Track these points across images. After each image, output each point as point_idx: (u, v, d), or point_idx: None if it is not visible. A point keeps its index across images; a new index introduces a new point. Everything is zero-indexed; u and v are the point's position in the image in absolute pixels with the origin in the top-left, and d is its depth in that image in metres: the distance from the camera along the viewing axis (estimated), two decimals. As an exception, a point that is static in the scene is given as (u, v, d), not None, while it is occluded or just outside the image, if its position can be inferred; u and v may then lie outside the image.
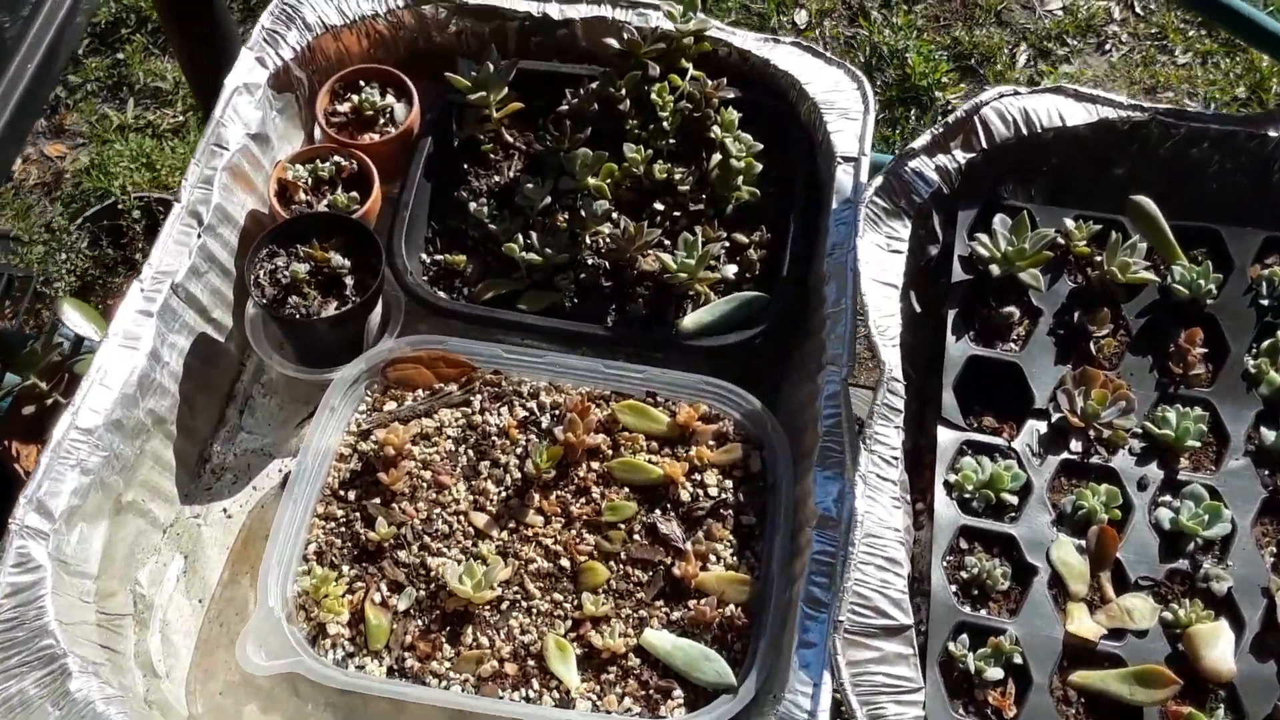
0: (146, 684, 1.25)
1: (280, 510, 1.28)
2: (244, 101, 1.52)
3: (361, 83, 1.61)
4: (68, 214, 2.54)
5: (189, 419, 1.41)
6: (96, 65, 3.21)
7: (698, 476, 1.37)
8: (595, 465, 1.38)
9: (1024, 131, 1.49)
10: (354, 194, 1.51)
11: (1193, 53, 3.14)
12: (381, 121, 1.60)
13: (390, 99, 1.61)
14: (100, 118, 3.12)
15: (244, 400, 1.50)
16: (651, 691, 1.23)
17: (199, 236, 1.42)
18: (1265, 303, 1.39)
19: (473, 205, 1.55)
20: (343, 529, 1.33)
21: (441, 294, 1.51)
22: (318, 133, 1.61)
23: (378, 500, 1.34)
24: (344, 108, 1.60)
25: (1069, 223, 1.44)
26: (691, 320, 1.47)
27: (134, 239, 2.35)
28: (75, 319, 1.81)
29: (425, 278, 1.53)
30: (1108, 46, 3.17)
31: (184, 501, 1.40)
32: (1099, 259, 1.42)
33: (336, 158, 1.54)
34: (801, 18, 3.21)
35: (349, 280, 1.42)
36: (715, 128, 1.58)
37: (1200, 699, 1.16)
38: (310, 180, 1.52)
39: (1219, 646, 1.16)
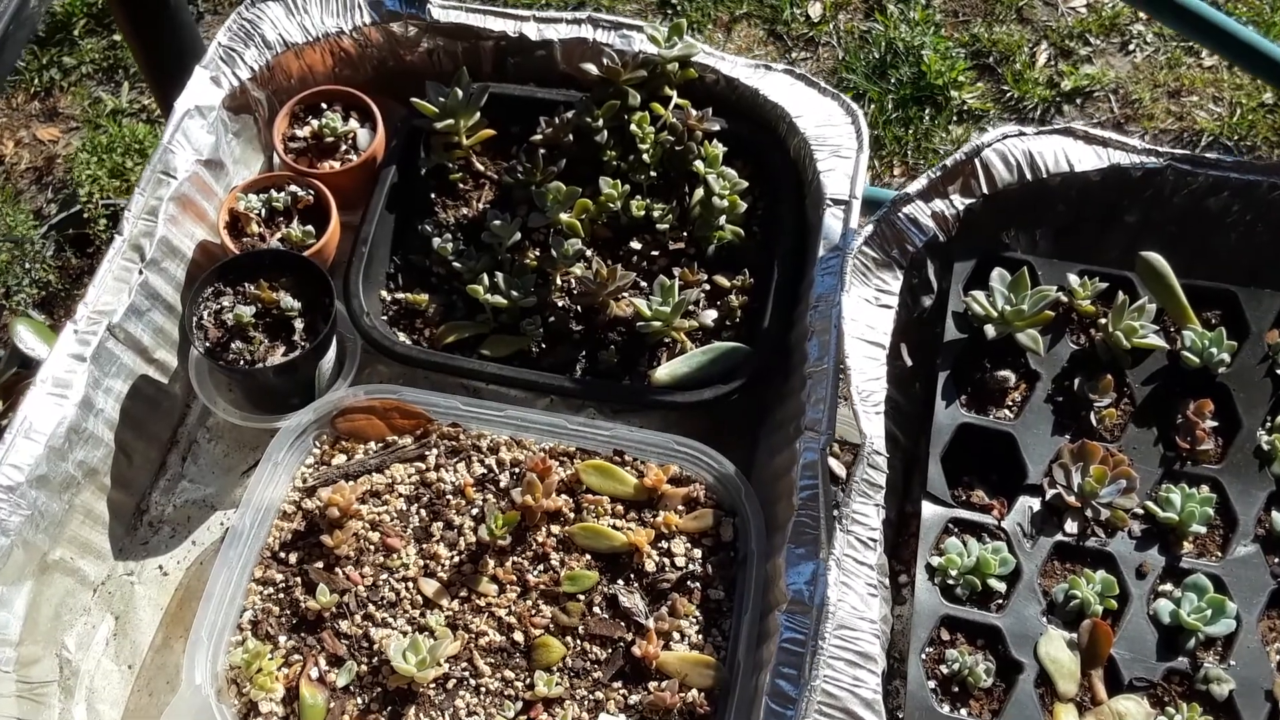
0: (65, 763, 1.18)
1: (214, 575, 1.20)
2: (195, 125, 1.43)
3: (323, 105, 1.52)
4: (29, 224, 2.44)
5: (125, 469, 1.32)
6: (92, 47, 3.13)
7: (664, 544, 1.28)
8: (555, 529, 1.29)
9: (1028, 177, 1.39)
10: (309, 228, 1.42)
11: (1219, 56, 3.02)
12: (343, 148, 1.51)
13: (353, 123, 1.52)
14: (94, 101, 3.03)
15: (187, 446, 1.41)
16: (604, 785, 1.15)
17: (140, 273, 1.33)
18: (1281, 373, 1.29)
19: (437, 241, 1.45)
20: (281, 595, 1.24)
21: (401, 335, 1.42)
22: (275, 159, 1.52)
23: (320, 564, 1.25)
24: (304, 132, 1.51)
25: (1073, 279, 1.34)
26: (665, 371, 1.38)
27: (101, 248, 2.26)
28: (28, 339, 1.73)
29: (385, 317, 1.44)
30: (1131, 47, 3.04)
31: (117, 557, 1.32)
32: (1104, 320, 1.32)
33: (293, 187, 1.45)
34: (816, 10, 3.10)
35: (298, 323, 1.33)
36: (698, 162, 1.48)
37: (1196, 817, 1.07)
38: (264, 211, 1.43)
39: (1218, 760, 1.07)
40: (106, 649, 1.25)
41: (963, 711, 1.12)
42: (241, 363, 1.30)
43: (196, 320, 1.32)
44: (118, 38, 3.13)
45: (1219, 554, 1.21)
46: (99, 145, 2.76)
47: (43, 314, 2.37)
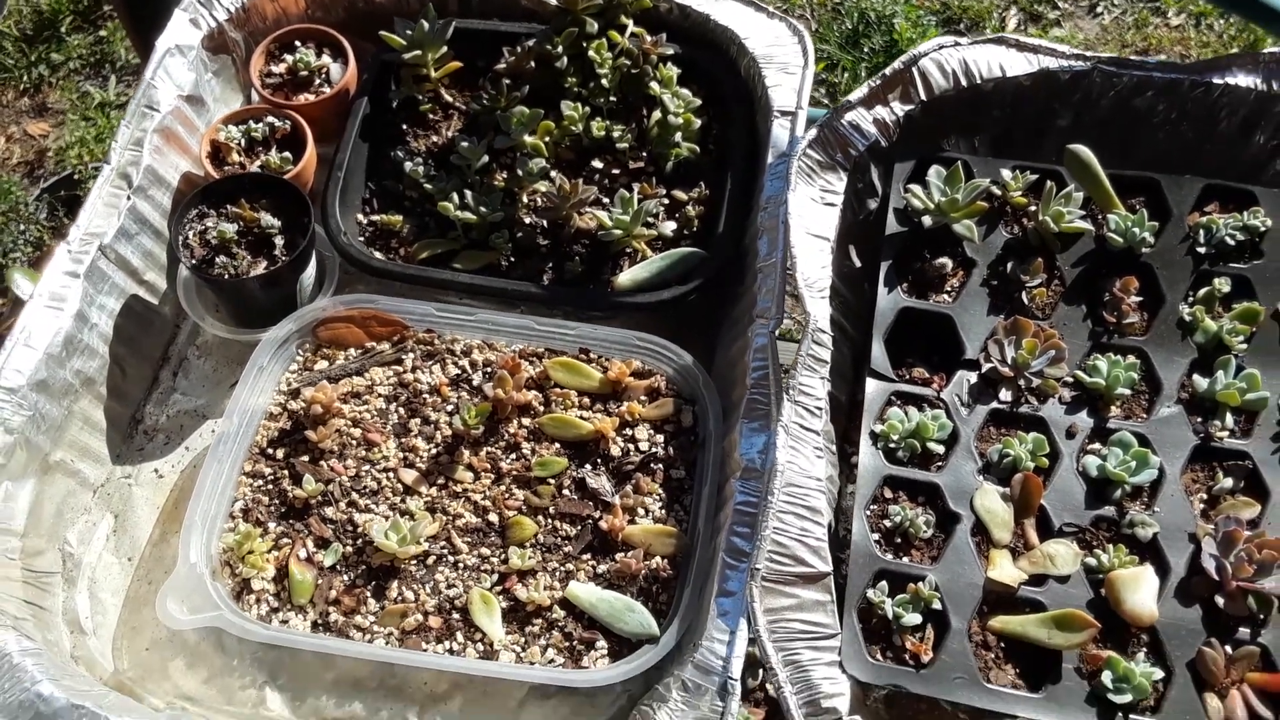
0: (73, 640, 1.25)
1: (205, 468, 1.28)
2: (176, 63, 1.52)
3: (297, 43, 1.60)
4: (24, 184, 2.53)
5: (120, 381, 1.41)
6: (79, 43, 3.21)
7: (629, 431, 1.36)
8: (526, 422, 1.37)
9: (963, 83, 1.48)
10: (287, 154, 1.51)
11: (1186, 14, 3.11)
12: (317, 82, 1.59)
13: (326, 59, 1.61)
14: (82, 95, 3.12)
15: (178, 362, 1.49)
16: (575, 643, 1.23)
17: (129, 198, 1.42)
18: (1202, 250, 1.38)
19: (409, 165, 1.54)
20: (270, 487, 1.32)
21: (377, 254, 1.50)
22: (254, 95, 1.60)
23: (306, 458, 1.34)
24: (279, 69, 1.59)
25: (1005, 173, 1.43)
26: (627, 277, 1.47)
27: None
28: (25, 286, 1.81)
29: (361, 238, 1.52)
30: (1099, 9, 3.13)
31: (115, 462, 1.40)
32: (1034, 209, 1.41)
33: (270, 118, 1.53)
34: (789, -18, 3.18)
35: (279, 240, 1.42)
36: (654, 84, 1.57)
37: (1122, 643, 1.15)
38: (243, 141, 1.51)
39: (1141, 590, 1.15)
40: (107, 544, 1.33)
41: (905, 559, 1.20)
42: (226, 276, 1.38)
43: (182, 239, 1.41)
44: (104, 33, 3.22)
45: (1144, 415, 1.30)
46: (88, 138, 2.84)
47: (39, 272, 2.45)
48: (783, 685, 1.09)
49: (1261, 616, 1.16)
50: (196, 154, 1.52)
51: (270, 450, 1.35)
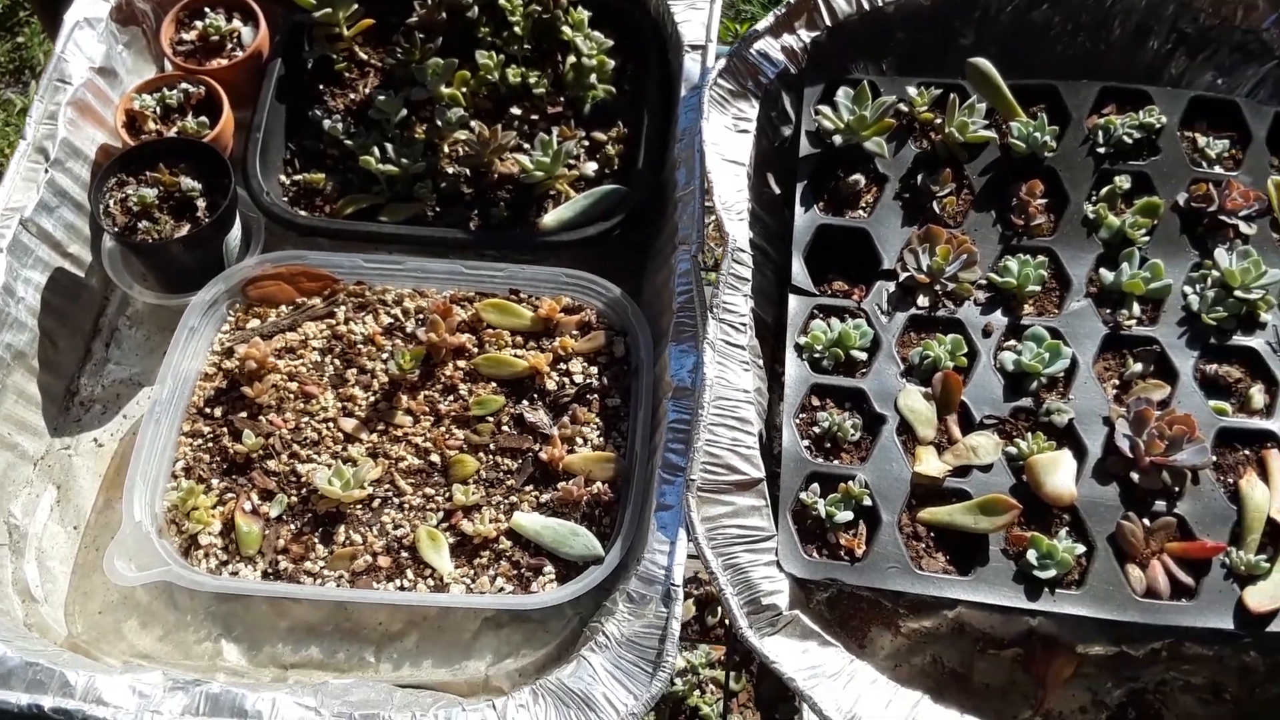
0: (25, 609, 1.26)
1: (142, 431, 1.29)
2: (86, 36, 1.51)
3: (206, 10, 1.60)
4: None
5: (52, 353, 1.41)
6: (-3, 51, 3.16)
7: (563, 366, 1.39)
8: (461, 364, 1.39)
9: (866, 7, 1.51)
10: (203, 119, 1.51)
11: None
12: (229, 46, 1.59)
13: (237, 23, 1.61)
14: (3, 102, 3.06)
15: (110, 333, 1.49)
16: (523, 570, 1.26)
17: (46, 171, 1.41)
18: (1102, 151, 1.43)
19: (327, 123, 1.55)
20: (210, 445, 1.34)
21: (302, 212, 1.51)
22: (167, 64, 1.60)
23: (244, 414, 1.35)
24: (190, 35, 1.59)
25: (911, 90, 1.47)
26: (552, 217, 1.49)
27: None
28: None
29: (285, 198, 1.53)
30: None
31: (53, 434, 1.40)
32: (941, 123, 1.45)
33: (184, 85, 1.53)
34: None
35: (201, 203, 1.42)
36: (566, 28, 1.59)
37: (1045, 523, 1.20)
38: (158, 109, 1.51)
39: (1059, 473, 1.20)
40: (51, 514, 1.34)
41: (834, 461, 1.24)
42: (149, 241, 1.39)
43: (103, 208, 1.41)
44: (21, 39, 3.16)
45: (1056, 311, 1.35)
46: (13, 146, 2.80)
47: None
48: (724, 587, 1.13)
49: (1176, 489, 1.21)
50: (112, 125, 1.52)
51: (208, 409, 1.36)
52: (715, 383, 1.23)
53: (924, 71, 1.55)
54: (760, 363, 1.31)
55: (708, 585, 2.29)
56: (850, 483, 1.20)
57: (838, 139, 1.43)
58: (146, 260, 1.43)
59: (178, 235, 1.39)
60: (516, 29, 1.58)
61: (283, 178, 1.55)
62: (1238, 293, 1.32)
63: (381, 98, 1.53)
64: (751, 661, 2.16)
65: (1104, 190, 1.40)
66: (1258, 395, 1.28)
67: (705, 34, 1.53)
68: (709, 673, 2.12)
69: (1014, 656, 1.26)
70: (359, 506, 1.30)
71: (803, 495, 1.20)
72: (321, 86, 1.60)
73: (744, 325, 1.28)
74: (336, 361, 1.40)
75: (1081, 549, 1.17)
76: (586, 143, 1.57)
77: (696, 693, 2.08)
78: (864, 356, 1.31)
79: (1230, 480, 1.23)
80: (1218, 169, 1.42)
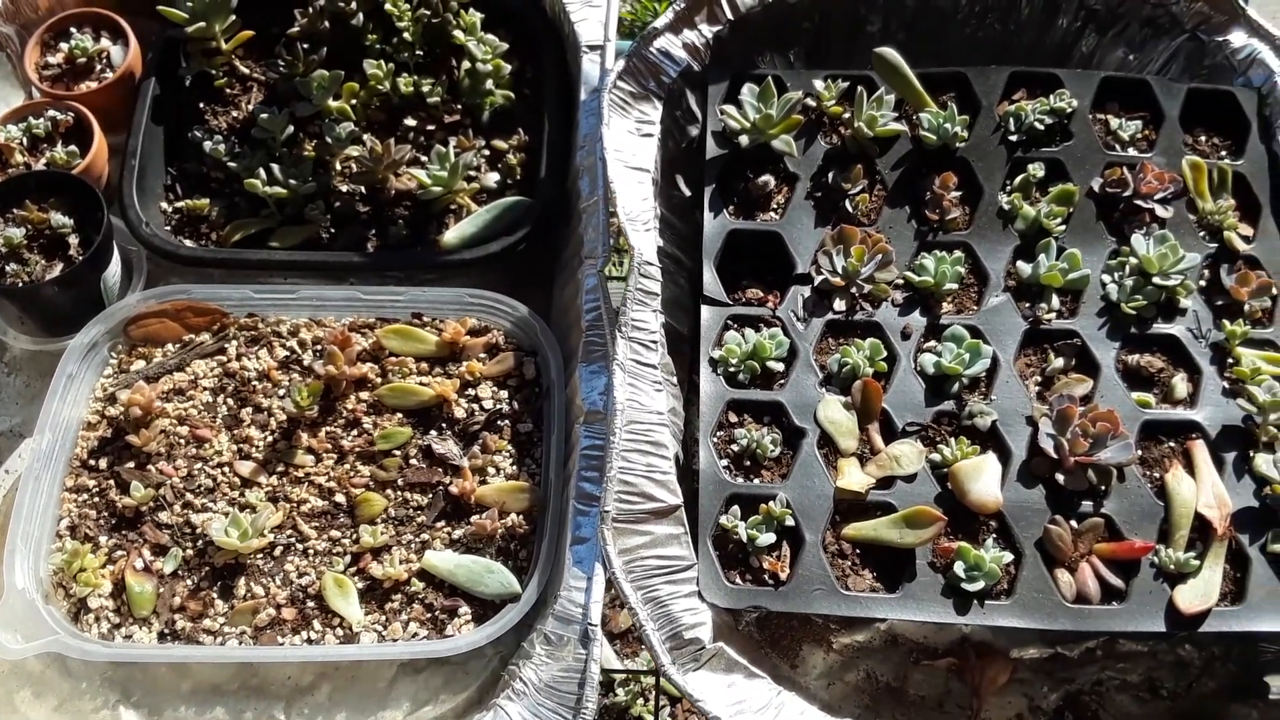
0: (-98, 690, 1.18)
1: (20, 489, 1.21)
2: (-60, 65, 1.41)
3: (72, 30, 1.50)
4: None
5: (-78, 409, 1.31)
6: None
7: (471, 391, 1.33)
8: (364, 395, 1.32)
9: (768, -2, 1.46)
10: (73, 148, 1.42)
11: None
12: (99, 68, 1.50)
13: (106, 43, 1.51)
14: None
15: (-13, 382, 1.40)
16: (437, 612, 1.20)
17: (-96, 214, 1.31)
18: (1014, 139, 1.39)
19: (208, 145, 1.46)
20: (96, 499, 1.26)
21: (187, 241, 1.43)
22: (35, 92, 1.50)
23: (131, 464, 1.27)
24: (56, 59, 1.49)
25: (818, 84, 1.42)
26: (454, 234, 1.42)
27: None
28: None
29: (168, 227, 1.44)
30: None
31: (-71, 494, 1.31)
32: (850, 116, 1.40)
33: (52, 112, 1.44)
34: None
35: (73, 239, 1.34)
36: (458, 32, 1.51)
37: (971, 531, 1.17)
38: (25, 140, 1.42)
39: (983, 479, 1.17)
40: (-69, 580, 1.25)
41: (755, 480, 1.20)
42: (19, 284, 1.30)
43: (-32, 251, 1.31)
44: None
45: (975, 307, 1.31)
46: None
47: None
48: (644, 623, 1.08)
49: (1102, 488, 1.19)
50: (-23, 160, 1.42)
51: (92, 461, 1.27)
52: (627, 406, 1.17)
53: (833, 60, 1.51)
54: (674, 379, 1.26)
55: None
56: (771, 503, 1.16)
57: (744, 139, 1.38)
58: (19, 304, 1.34)
59: (50, 276, 1.30)
60: (406, 35, 1.50)
61: (164, 205, 1.46)
62: (1156, 279, 1.29)
63: (265, 115, 1.45)
64: (694, 666, 2.12)
65: (1018, 179, 1.37)
66: (1180, 384, 1.26)
67: (603, 33, 1.47)
68: (650, 680, 2.08)
69: (948, 666, 1.23)
70: (259, 556, 1.23)
71: (723, 519, 1.16)
72: (201, 105, 1.51)
73: (655, 343, 1.23)
74: (230, 401, 1.32)
75: (1009, 557, 1.14)
76: (487, 152, 1.50)
77: (640, 701, 2.04)
78: (781, 367, 1.26)
79: (1156, 475, 1.21)
80: (1131, 151, 1.39)
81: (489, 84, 1.51)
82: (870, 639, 1.23)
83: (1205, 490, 1.18)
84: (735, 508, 1.17)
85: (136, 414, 1.27)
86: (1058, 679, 1.23)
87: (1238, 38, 1.44)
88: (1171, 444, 1.23)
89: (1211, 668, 1.22)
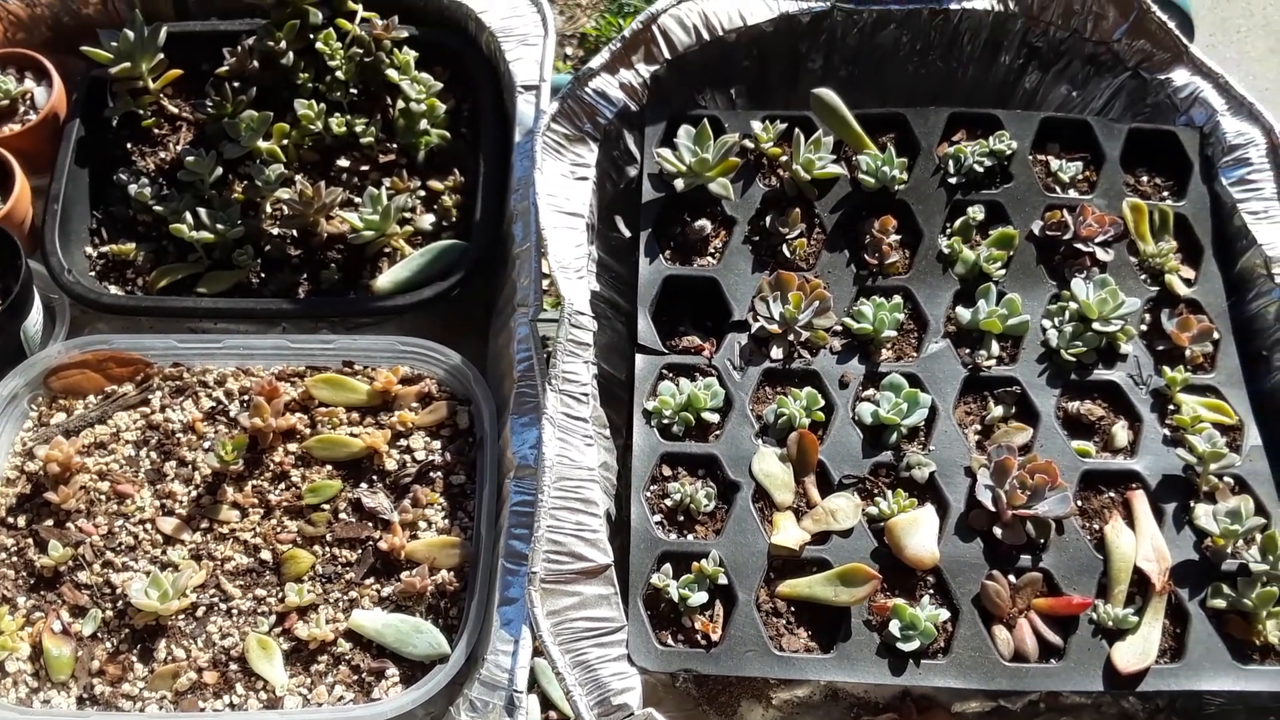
0: None
1: (-68, 551, 1.17)
2: None
3: (-6, 70, 1.47)
4: None
5: None
6: None
7: (403, 442, 1.30)
8: (293, 447, 1.29)
9: (706, 36, 1.44)
10: (-7, 192, 1.38)
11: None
12: (21, 110, 1.46)
13: (30, 84, 1.47)
14: None
15: (-97, 435, 1.36)
16: (364, 674, 1.17)
17: None
18: (954, 181, 1.38)
19: (133, 188, 1.42)
20: (15, 559, 1.22)
21: (113, 288, 1.39)
22: (-46, 133, 1.46)
23: (50, 522, 1.23)
24: (-24, 101, 1.46)
25: (756, 125, 1.40)
26: (387, 279, 1.39)
27: None
28: None
29: (93, 273, 1.40)
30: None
31: None
32: (788, 158, 1.38)
33: (-30, 156, 1.40)
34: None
35: (-9, 289, 1.30)
36: (391, 71, 1.48)
37: (908, 587, 1.15)
38: (-57, 185, 1.38)
39: (919, 534, 1.15)
40: None
41: (689, 536, 1.17)
42: (-67, 335, 1.26)
43: (-120, 302, 1.27)
44: None
45: (914, 354, 1.29)
46: None
47: None
48: (571, 689, 1.05)
49: (1041, 541, 1.17)
50: (-108, 206, 1.38)
51: (9, 519, 1.24)
52: (556, 463, 1.15)
53: (775, 96, 1.49)
54: (607, 432, 1.23)
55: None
56: (704, 561, 1.14)
57: (680, 182, 1.35)
58: (-68, 357, 1.30)
59: (-36, 329, 1.27)
60: (339, 74, 1.47)
61: (89, 250, 1.42)
62: (1096, 325, 1.28)
63: (191, 158, 1.41)
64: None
65: (958, 222, 1.35)
66: (1121, 433, 1.25)
67: (539, 72, 1.45)
68: None
69: (888, 722, 1.20)
70: (181, 617, 1.19)
71: (654, 579, 1.13)
72: (129, 145, 1.48)
73: (586, 395, 1.20)
74: (153, 454, 1.28)
75: (946, 614, 1.12)
76: (422, 193, 1.47)
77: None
78: (716, 418, 1.24)
79: (1096, 527, 1.19)
80: (1072, 193, 1.38)
81: (424, 123, 1.48)
82: (810, 694, 1.21)
83: (1144, 543, 1.17)
84: (667, 565, 1.14)
85: (55, 470, 1.23)
86: (999, 733, 1.21)
87: (1180, 76, 1.44)
88: (1111, 494, 1.22)
89: (1155, 719, 1.21)
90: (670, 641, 1.12)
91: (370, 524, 1.25)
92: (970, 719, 1.21)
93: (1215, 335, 1.30)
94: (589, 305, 1.25)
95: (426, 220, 1.45)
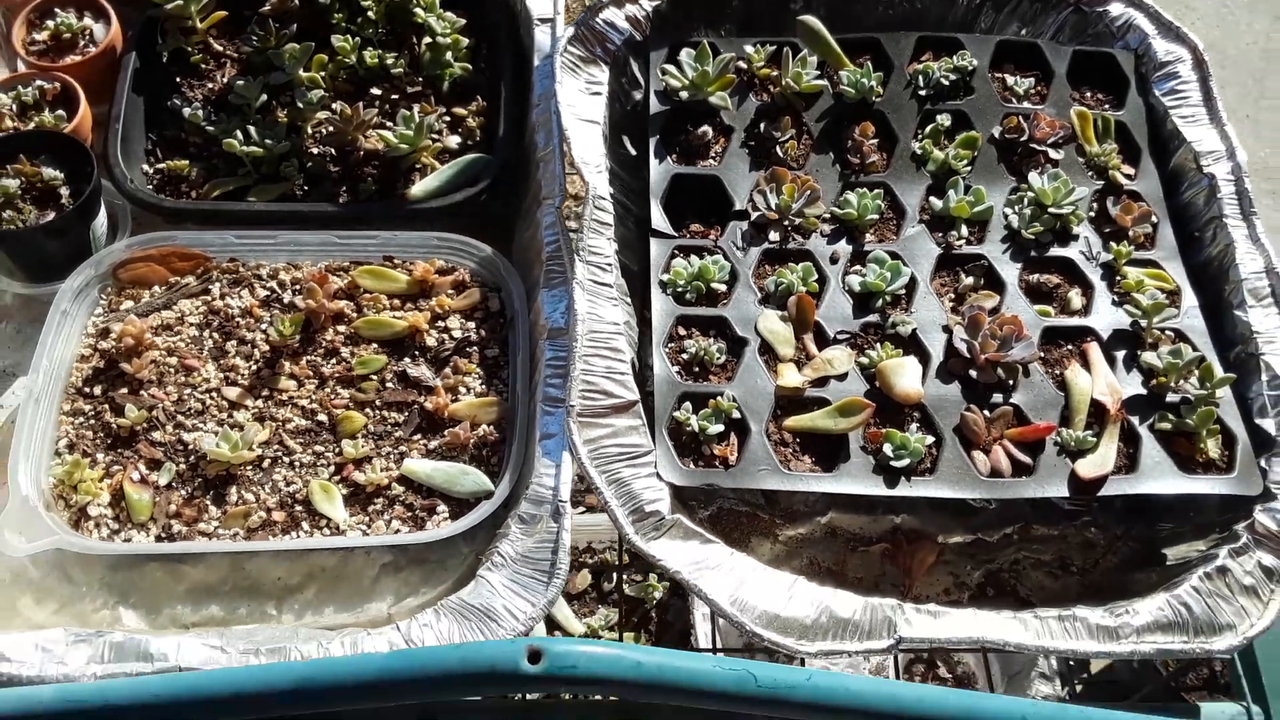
0: (-89, 598, 1.25)
1: (21, 411, 1.29)
2: (-68, 37, 1.51)
3: (57, 10, 1.61)
4: None
5: (-80, 350, 1.39)
6: None
7: (441, 323, 1.45)
8: (341, 329, 1.43)
9: (702, -27, 1.62)
10: (61, 113, 1.52)
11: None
12: (82, 43, 1.60)
13: (89, 21, 1.62)
14: None
15: (-22, 330, 1.49)
16: (417, 511, 1.30)
17: (-98, 168, 1.40)
18: (923, 93, 1.56)
19: (187, 110, 1.57)
20: (93, 421, 1.34)
21: (168, 198, 1.53)
22: (20, 65, 1.60)
23: (125, 390, 1.36)
24: (42, 35, 1.60)
25: (749, 48, 1.58)
26: (420, 188, 1.54)
27: None
28: None
29: (150, 187, 1.54)
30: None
31: (-72, 428, 1.38)
32: (778, 75, 1.56)
33: (39, 81, 1.54)
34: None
35: (64, 190, 1.43)
36: (419, 10, 1.65)
37: (897, 421, 1.31)
38: (15, 106, 1.52)
39: (906, 375, 1.32)
40: (-65, 504, 1.32)
41: (704, 382, 1.33)
42: (14, 229, 1.39)
43: (-36, 201, 1.41)
44: None
45: (894, 236, 1.47)
46: None
47: None
48: (609, 500, 1.20)
49: (1010, 382, 1.34)
50: (-33, 126, 1.51)
51: (87, 389, 1.36)
52: (587, 317, 1.30)
53: (761, 31, 1.67)
54: (628, 299, 1.39)
55: (601, 554, 2.35)
56: (720, 398, 1.29)
57: (684, 95, 1.53)
58: (12, 250, 1.43)
59: (43, 222, 1.40)
60: (370, 14, 1.64)
61: (145, 167, 1.56)
62: (1051, 210, 1.46)
63: (241, 83, 1.57)
64: (650, 621, 2.23)
65: (928, 128, 1.53)
66: (1075, 298, 1.42)
67: (553, 7, 1.62)
68: (609, 635, 2.18)
69: (882, 551, 1.36)
70: (249, 468, 1.32)
71: (676, 414, 1.28)
72: (179, 79, 1.63)
73: (609, 265, 1.36)
74: (215, 335, 1.42)
75: (931, 440, 1.28)
76: (448, 118, 1.63)
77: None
78: (723, 288, 1.40)
79: (1057, 371, 1.36)
80: (1026, 104, 1.57)
81: (448, 56, 1.64)
82: (811, 531, 1.36)
83: (1100, 381, 1.34)
84: (687, 404, 1.30)
85: (129, 343, 1.36)
86: (979, 560, 1.36)
87: (1115, 8, 1.64)
88: (1069, 347, 1.39)
89: (1115, 546, 1.37)
90: (692, 465, 1.26)
91: (415, 390, 1.39)
92: (953, 550, 1.37)
93: (1154, 219, 1.48)
94: (608, 194, 1.41)
95: (452, 140, 1.61)
